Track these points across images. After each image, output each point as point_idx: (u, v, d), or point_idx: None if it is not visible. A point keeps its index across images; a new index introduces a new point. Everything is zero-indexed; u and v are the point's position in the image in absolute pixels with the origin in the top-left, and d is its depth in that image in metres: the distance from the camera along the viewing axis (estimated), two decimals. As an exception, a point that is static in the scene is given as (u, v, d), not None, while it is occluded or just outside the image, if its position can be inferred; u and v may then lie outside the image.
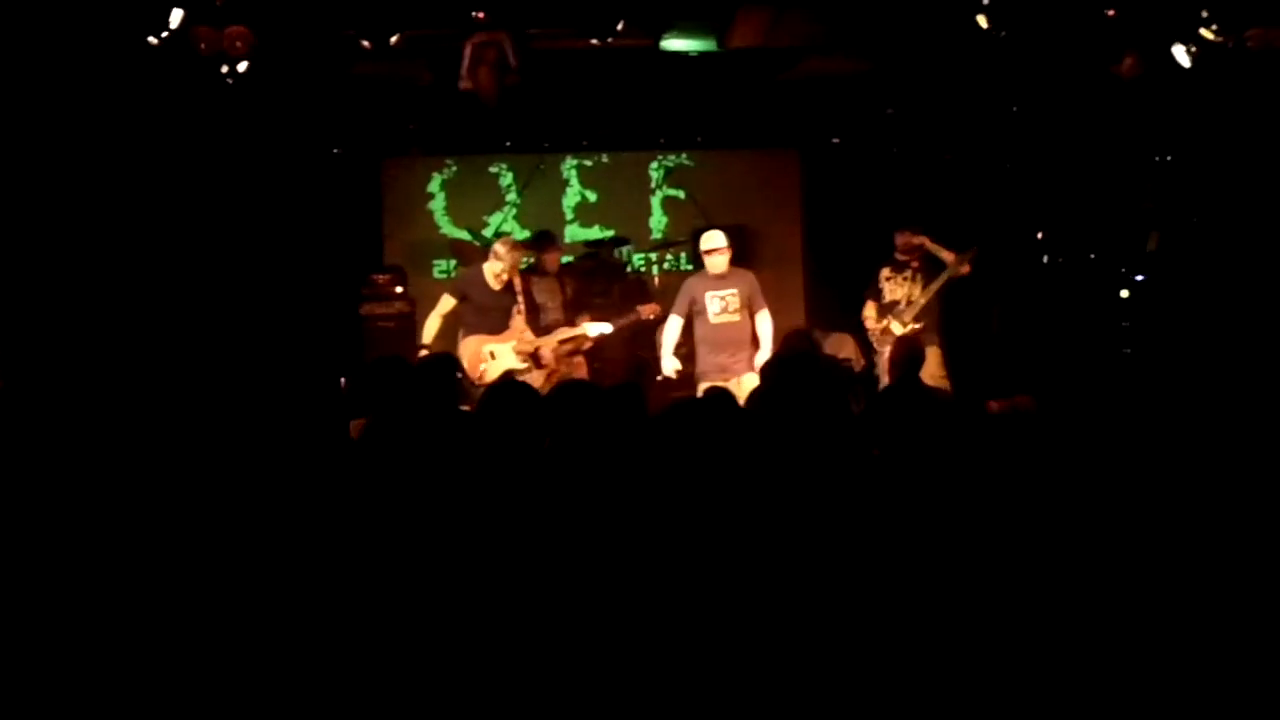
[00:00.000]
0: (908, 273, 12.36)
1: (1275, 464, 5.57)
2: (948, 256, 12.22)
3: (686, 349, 12.37)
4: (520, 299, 11.65)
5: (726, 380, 10.77)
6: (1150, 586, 4.42)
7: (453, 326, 11.83)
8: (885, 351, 12.17)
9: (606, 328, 12.16)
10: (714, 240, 11.62)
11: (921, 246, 12.41)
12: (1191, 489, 5.18)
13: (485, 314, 11.54)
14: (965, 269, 12.24)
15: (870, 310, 12.59)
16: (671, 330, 11.79)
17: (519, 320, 11.63)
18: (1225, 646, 4.17)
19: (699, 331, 11.65)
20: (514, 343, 11.53)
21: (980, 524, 4.76)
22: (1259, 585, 4.44)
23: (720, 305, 11.50)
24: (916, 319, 12.20)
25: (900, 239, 12.50)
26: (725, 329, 11.49)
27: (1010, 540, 4.66)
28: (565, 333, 12.13)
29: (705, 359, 11.57)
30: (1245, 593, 4.41)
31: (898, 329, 12.11)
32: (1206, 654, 4.14)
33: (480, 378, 11.29)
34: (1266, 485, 5.21)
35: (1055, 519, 4.82)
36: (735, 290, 11.52)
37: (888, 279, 12.45)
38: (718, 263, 11.52)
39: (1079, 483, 5.22)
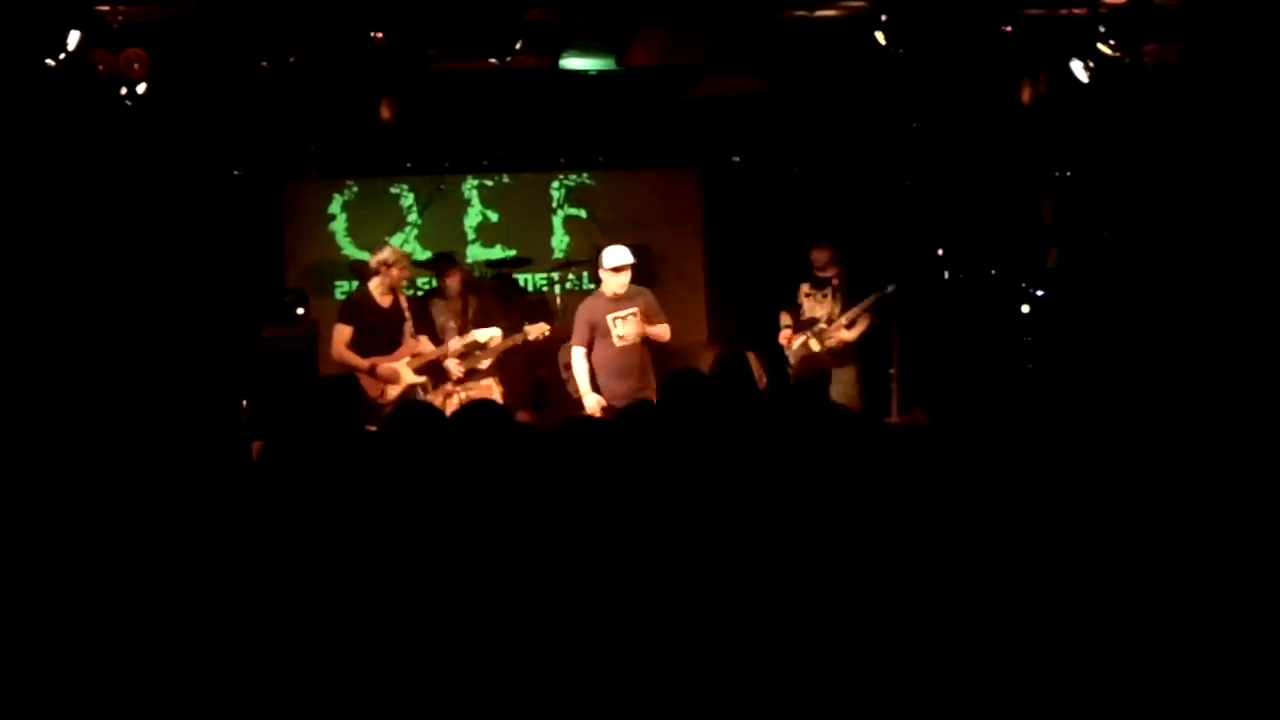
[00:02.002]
0: (827, 290, 12.28)
1: (1176, 472, 5.63)
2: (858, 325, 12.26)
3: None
4: (409, 314, 11.60)
5: None
6: (1045, 597, 4.45)
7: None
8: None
9: (496, 332, 12.03)
10: (622, 256, 11.33)
11: (838, 264, 12.38)
12: (1092, 500, 5.22)
13: (376, 334, 11.46)
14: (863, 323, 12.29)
15: (784, 319, 12.57)
16: (580, 363, 11.44)
17: (409, 338, 11.58)
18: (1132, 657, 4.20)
19: (600, 357, 11.39)
20: (407, 359, 11.46)
21: (879, 538, 4.77)
22: (1153, 590, 4.48)
23: (624, 328, 11.27)
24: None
25: (815, 255, 12.46)
26: (631, 353, 11.25)
27: (910, 553, 4.68)
28: (457, 343, 12.00)
29: (609, 386, 11.28)
30: (1137, 601, 4.45)
31: (815, 346, 12.05)
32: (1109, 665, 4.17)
33: (381, 396, 11.22)
34: (1166, 493, 5.27)
35: (956, 533, 4.84)
36: (635, 309, 11.28)
37: (807, 295, 12.38)
38: (623, 281, 11.25)
39: (981, 497, 5.25)
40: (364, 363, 11.26)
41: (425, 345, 11.81)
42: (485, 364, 12.30)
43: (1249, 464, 6.06)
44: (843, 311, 12.21)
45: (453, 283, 13.08)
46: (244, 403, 12.56)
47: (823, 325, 12.17)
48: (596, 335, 11.33)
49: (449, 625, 4.35)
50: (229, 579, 4.73)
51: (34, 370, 10.98)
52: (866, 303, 12.16)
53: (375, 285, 11.55)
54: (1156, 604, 4.43)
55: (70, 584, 4.72)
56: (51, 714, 4.17)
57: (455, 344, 11.88)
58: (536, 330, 12.19)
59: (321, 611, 4.48)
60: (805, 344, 12.17)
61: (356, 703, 4.16)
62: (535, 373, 13.53)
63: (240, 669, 4.26)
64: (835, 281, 12.28)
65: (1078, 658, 4.18)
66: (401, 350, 11.48)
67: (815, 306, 12.33)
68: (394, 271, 11.51)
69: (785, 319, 12.55)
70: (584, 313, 11.50)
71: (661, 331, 11.37)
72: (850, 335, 12.18)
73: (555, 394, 13.67)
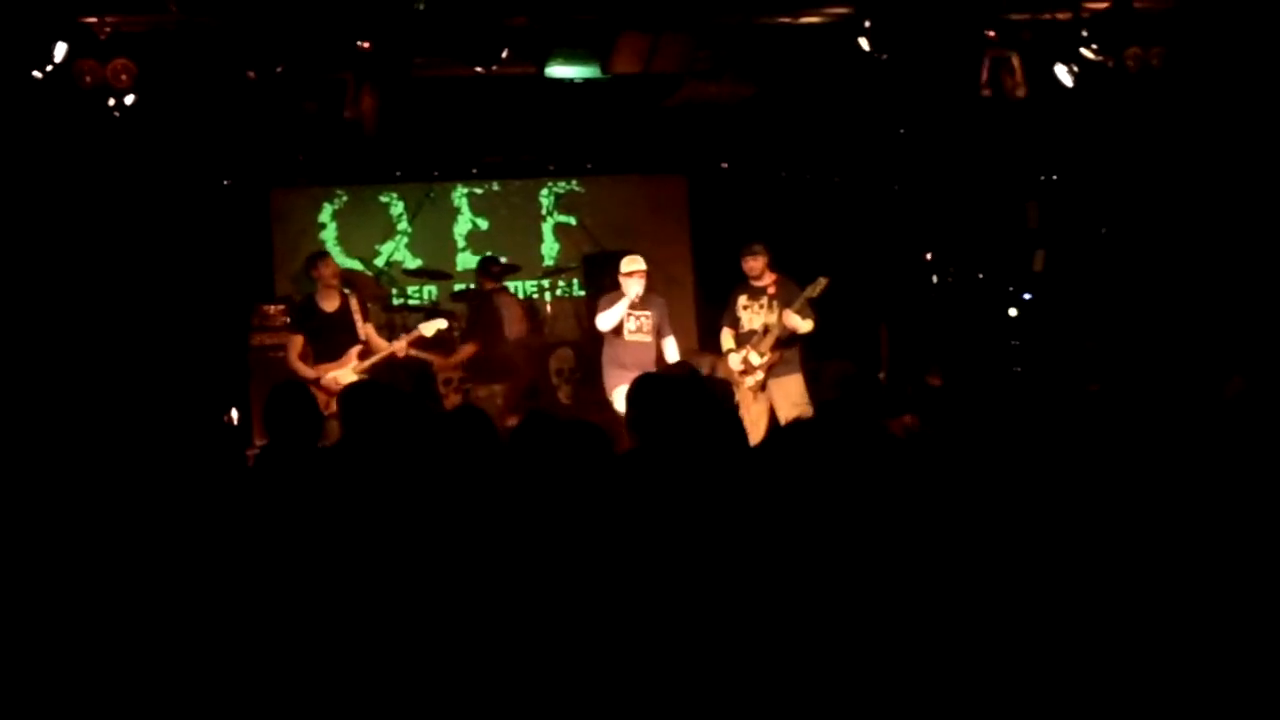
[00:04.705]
0: (764, 299, 11.89)
1: (1161, 474, 5.65)
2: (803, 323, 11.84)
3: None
4: (359, 316, 11.54)
5: None
6: (1044, 605, 4.47)
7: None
8: (746, 383, 11.98)
9: (442, 323, 11.98)
10: (636, 263, 11.68)
11: (773, 270, 12.08)
12: (1082, 503, 5.24)
13: (325, 339, 11.36)
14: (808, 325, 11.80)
15: (727, 338, 12.15)
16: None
17: (358, 340, 11.52)
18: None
19: (611, 350, 11.79)
20: (353, 364, 11.35)
21: (876, 545, 4.79)
22: (1141, 595, 4.51)
23: (636, 324, 11.65)
24: (774, 347, 11.83)
25: (749, 263, 11.97)
26: (637, 348, 11.62)
27: (906, 559, 4.69)
28: (403, 341, 11.88)
29: (614, 378, 11.58)
30: (1125, 606, 4.47)
31: (756, 359, 11.83)
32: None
33: (327, 408, 11.04)
34: (1153, 495, 5.29)
35: (947, 537, 4.86)
36: (649, 312, 11.70)
37: (745, 307, 11.94)
38: (637, 285, 11.58)
39: (971, 501, 5.26)
40: (311, 373, 11.20)
41: (376, 342, 11.71)
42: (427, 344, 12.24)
43: (1237, 464, 6.08)
44: (779, 320, 11.88)
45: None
46: (233, 410, 12.60)
47: (760, 335, 11.90)
48: (609, 330, 11.75)
49: (431, 624, 4.38)
50: (212, 584, 4.75)
51: (22, 377, 11.01)
52: (809, 292, 11.78)
53: (319, 293, 11.54)
54: (1147, 605, 4.45)
55: (49, 591, 4.74)
56: (43, 714, 4.19)
57: (401, 342, 11.80)
58: (432, 327, 12.05)
59: (306, 616, 4.51)
60: (746, 358, 11.95)
61: (340, 701, 4.19)
62: (529, 378, 13.57)
63: (224, 673, 4.29)
64: (771, 290, 11.98)
65: (1071, 660, 4.20)
66: (345, 357, 11.37)
67: (753, 318, 11.98)
68: (324, 272, 11.54)
69: (727, 337, 12.13)
70: (605, 301, 11.84)
71: (668, 348, 11.81)
72: (806, 327, 11.85)
73: (547, 400, 13.74)
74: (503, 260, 14.43)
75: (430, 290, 15.08)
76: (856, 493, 5.04)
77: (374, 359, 11.50)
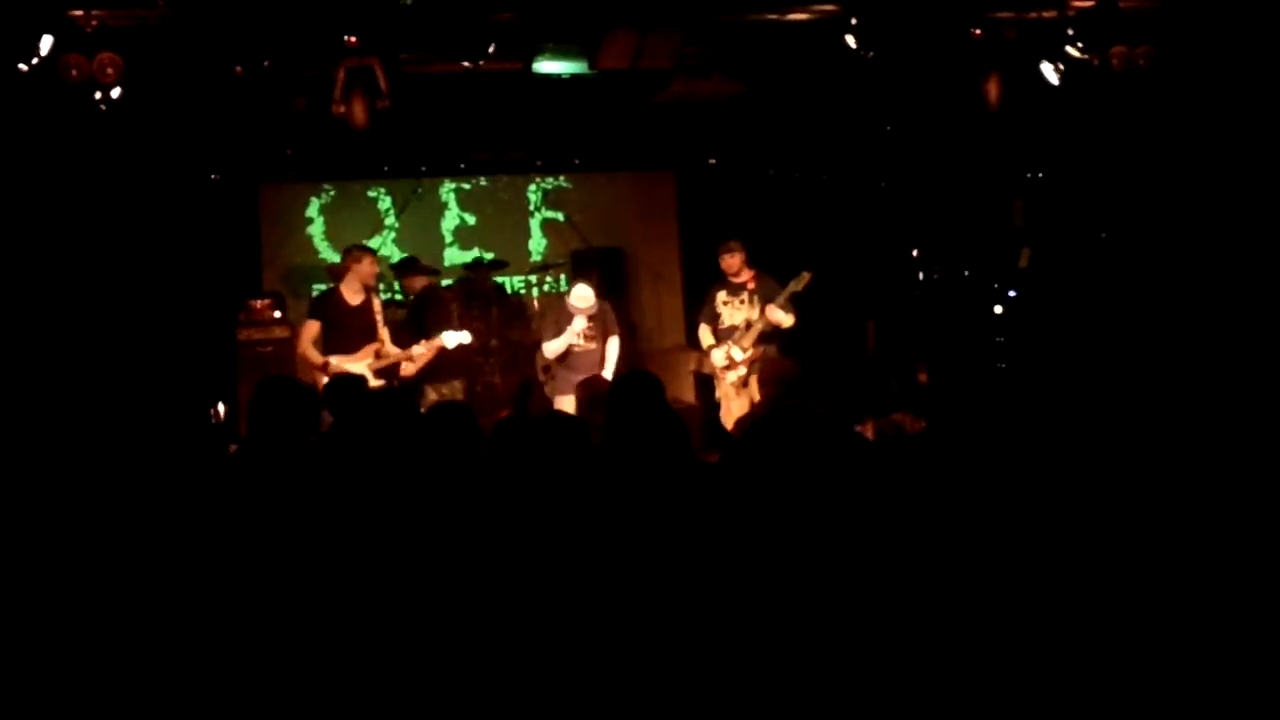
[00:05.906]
0: (744, 295, 11.85)
1: (1147, 472, 5.66)
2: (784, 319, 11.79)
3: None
4: (379, 316, 11.51)
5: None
6: (1035, 602, 4.47)
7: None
8: (728, 379, 12.00)
9: (465, 337, 11.95)
10: (586, 300, 11.88)
11: (750, 266, 12.09)
12: (1067, 500, 5.25)
13: (343, 331, 11.32)
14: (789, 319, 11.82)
15: (706, 335, 12.23)
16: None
17: (380, 340, 11.49)
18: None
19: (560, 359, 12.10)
20: (369, 360, 11.31)
21: (861, 544, 4.79)
22: (1132, 595, 4.52)
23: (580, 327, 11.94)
24: (757, 343, 11.82)
25: (727, 260, 12.07)
26: (583, 355, 11.95)
27: (887, 561, 4.70)
28: (422, 347, 11.83)
29: (561, 377, 12.01)
30: (1118, 604, 4.48)
31: (739, 354, 11.83)
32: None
33: None
34: (1139, 493, 5.30)
35: (932, 534, 4.87)
36: (592, 324, 11.94)
37: (724, 303, 12.01)
38: (585, 314, 11.90)
39: (957, 496, 5.27)
40: (319, 359, 11.14)
41: (389, 347, 11.65)
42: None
43: (1223, 460, 6.09)
44: (760, 316, 11.89)
45: (413, 284, 13.20)
46: (220, 405, 12.58)
47: (742, 331, 11.88)
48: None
49: (412, 620, 4.38)
50: (194, 577, 4.75)
51: (7, 372, 10.99)
52: (792, 286, 11.75)
53: (345, 284, 11.48)
54: (1134, 602, 4.46)
55: (32, 584, 4.74)
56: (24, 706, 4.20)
57: (420, 348, 11.74)
58: (454, 339, 12.02)
59: (284, 610, 4.52)
60: (727, 355, 11.94)
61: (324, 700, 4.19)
62: (522, 373, 13.59)
63: (198, 665, 4.29)
64: (750, 285, 11.93)
65: (1060, 656, 4.21)
66: (361, 352, 11.32)
67: (734, 314, 11.96)
68: (365, 269, 11.47)
69: (706, 334, 12.23)
70: (552, 313, 12.34)
71: (609, 346, 12.17)
72: (788, 321, 11.85)
73: (535, 395, 13.76)
74: (420, 259, 14.48)
75: (417, 285, 15.08)
76: (813, 490, 5.07)
77: (388, 360, 11.45)
